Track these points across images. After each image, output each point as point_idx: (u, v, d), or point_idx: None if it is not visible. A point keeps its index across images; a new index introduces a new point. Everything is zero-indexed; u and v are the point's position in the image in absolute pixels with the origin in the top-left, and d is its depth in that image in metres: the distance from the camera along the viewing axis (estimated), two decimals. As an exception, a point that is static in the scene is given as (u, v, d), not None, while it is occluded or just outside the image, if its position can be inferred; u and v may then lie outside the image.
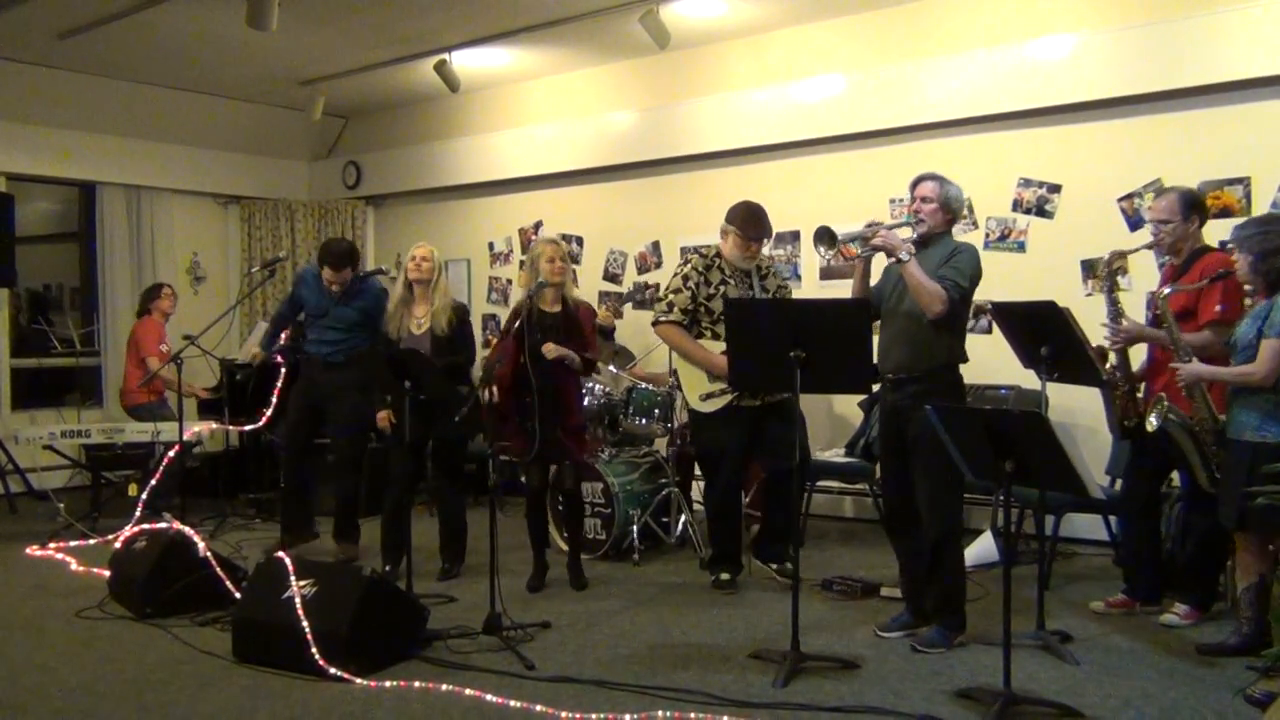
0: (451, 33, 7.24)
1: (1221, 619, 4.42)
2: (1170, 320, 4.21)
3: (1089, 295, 5.88)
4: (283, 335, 6.29)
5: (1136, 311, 4.69)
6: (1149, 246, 4.63)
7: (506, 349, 5.00)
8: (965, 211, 5.77)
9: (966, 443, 3.56)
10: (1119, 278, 5.84)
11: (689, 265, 5.21)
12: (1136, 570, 4.67)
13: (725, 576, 5.12)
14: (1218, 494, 4.11)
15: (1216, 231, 5.16)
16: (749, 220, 5.07)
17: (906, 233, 4.24)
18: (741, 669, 3.96)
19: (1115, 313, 4.47)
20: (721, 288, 5.08)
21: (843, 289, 5.94)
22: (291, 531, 5.88)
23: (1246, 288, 4.17)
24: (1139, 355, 4.68)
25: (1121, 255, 4.68)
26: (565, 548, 5.52)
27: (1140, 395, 4.55)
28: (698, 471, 6.59)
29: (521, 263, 7.32)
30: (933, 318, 4.05)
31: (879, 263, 4.34)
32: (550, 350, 4.95)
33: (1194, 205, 4.50)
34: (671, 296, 5.16)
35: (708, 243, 7.50)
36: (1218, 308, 4.28)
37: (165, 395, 7.32)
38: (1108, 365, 4.51)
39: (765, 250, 5.38)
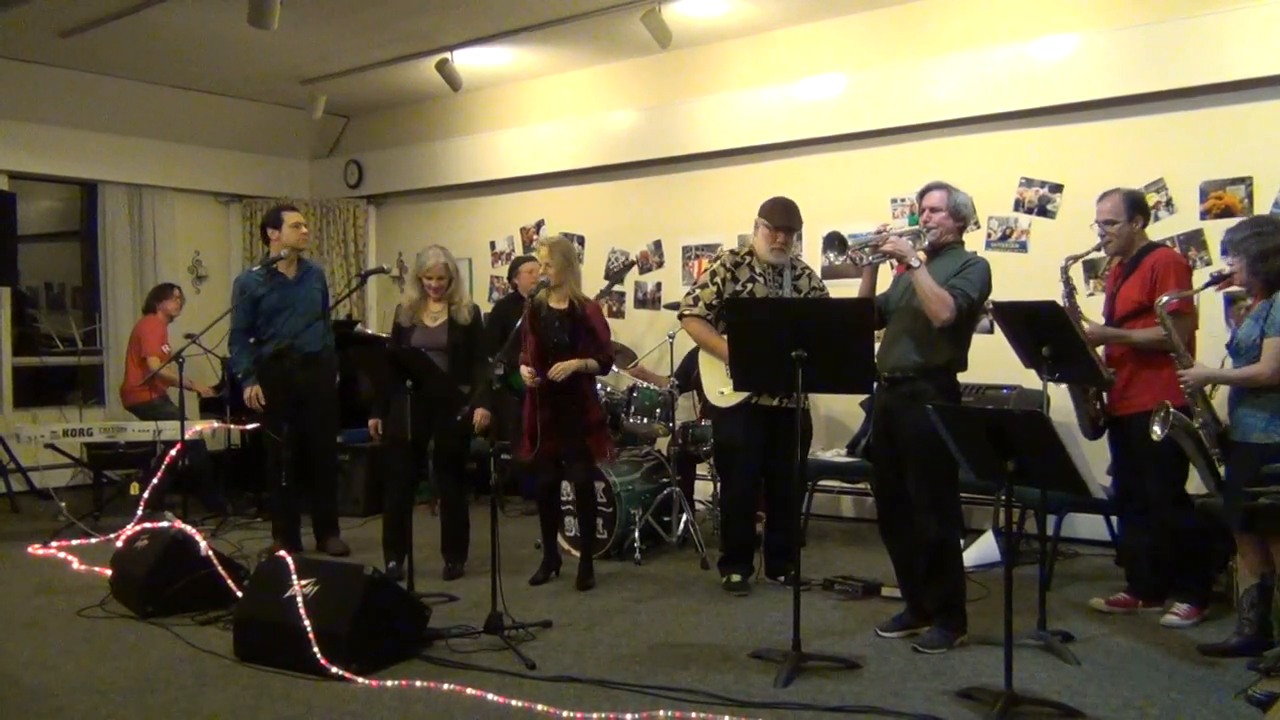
0: (453, 31, 7.24)
1: (1223, 619, 4.41)
2: (1170, 327, 4.21)
3: (1090, 295, 5.87)
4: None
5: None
6: (1097, 249, 4.72)
7: (528, 348, 5.11)
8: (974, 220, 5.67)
9: (968, 443, 3.56)
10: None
11: (718, 261, 5.21)
12: (1138, 569, 4.68)
13: (736, 579, 5.11)
14: (1223, 497, 4.10)
15: (1217, 232, 5.18)
16: (775, 209, 5.06)
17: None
18: (743, 669, 3.97)
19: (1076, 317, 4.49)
20: (750, 284, 5.06)
21: (841, 288, 5.96)
22: (282, 535, 5.85)
23: (1240, 289, 4.19)
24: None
25: (1074, 260, 4.78)
26: (567, 547, 5.57)
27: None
28: (699, 471, 6.62)
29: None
30: (939, 325, 4.06)
31: (887, 269, 4.34)
32: (557, 372, 5.02)
33: (1137, 205, 4.63)
34: (698, 291, 5.15)
35: (710, 242, 7.61)
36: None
37: (166, 393, 7.34)
38: None
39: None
